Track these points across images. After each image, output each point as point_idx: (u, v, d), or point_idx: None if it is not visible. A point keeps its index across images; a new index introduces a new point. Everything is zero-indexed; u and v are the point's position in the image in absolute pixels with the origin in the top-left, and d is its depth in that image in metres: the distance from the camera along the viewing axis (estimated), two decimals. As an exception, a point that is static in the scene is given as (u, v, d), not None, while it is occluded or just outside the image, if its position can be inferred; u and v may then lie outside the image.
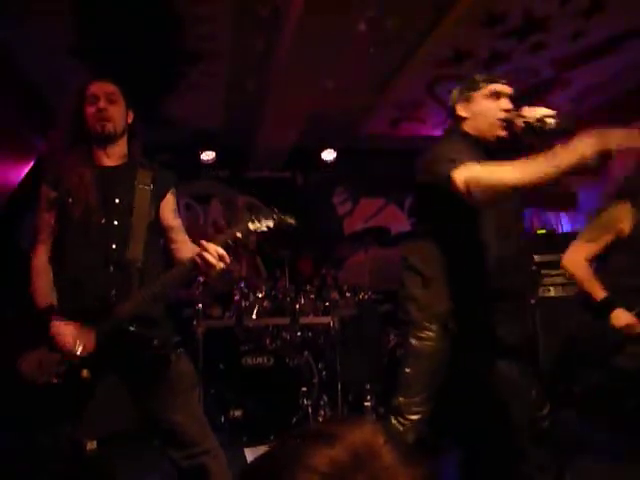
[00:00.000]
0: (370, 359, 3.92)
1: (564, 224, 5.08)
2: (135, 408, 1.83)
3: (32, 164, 4.13)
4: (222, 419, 3.42)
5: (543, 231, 4.89)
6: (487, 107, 1.88)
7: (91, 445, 3.02)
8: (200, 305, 3.86)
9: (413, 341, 1.90)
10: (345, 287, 4.46)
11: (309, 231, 5.18)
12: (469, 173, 1.60)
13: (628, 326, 2.16)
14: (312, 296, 4.23)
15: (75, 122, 1.79)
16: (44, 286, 1.73)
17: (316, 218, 5.38)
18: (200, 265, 1.61)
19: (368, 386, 3.82)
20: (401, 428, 1.85)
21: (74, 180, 1.72)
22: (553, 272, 4.43)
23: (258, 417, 3.42)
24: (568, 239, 2.50)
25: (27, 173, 4.10)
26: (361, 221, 5.65)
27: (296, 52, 3.33)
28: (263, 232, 1.71)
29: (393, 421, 1.88)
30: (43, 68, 3.38)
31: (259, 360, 3.58)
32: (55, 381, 1.62)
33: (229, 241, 1.65)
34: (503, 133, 1.85)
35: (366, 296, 4.32)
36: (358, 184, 5.66)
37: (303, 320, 4.01)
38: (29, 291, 1.75)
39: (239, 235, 1.66)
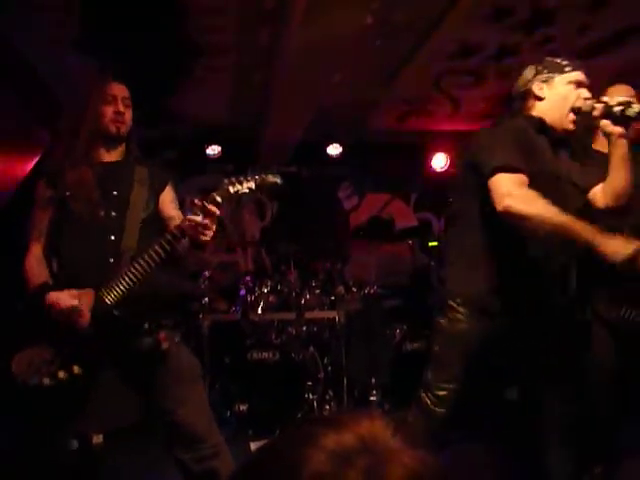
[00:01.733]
0: (376, 354, 3.92)
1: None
2: (141, 402, 1.84)
3: (38, 158, 4.13)
4: (228, 413, 3.43)
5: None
6: (567, 94, 1.80)
7: (97, 439, 3.04)
8: (206, 299, 3.87)
9: (441, 320, 1.90)
10: (351, 282, 4.45)
11: (315, 225, 5.18)
12: (515, 203, 1.60)
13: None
14: (318, 291, 4.23)
15: (90, 118, 1.80)
16: (38, 273, 1.74)
17: (322, 213, 5.38)
18: (187, 227, 1.62)
19: (373, 381, 3.82)
20: (429, 402, 1.86)
21: (75, 178, 1.75)
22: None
23: (264, 411, 3.43)
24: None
25: (33, 167, 4.11)
26: (367, 216, 5.64)
27: (302, 46, 3.32)
28: (245, 193, 1.71)
29: (422, 394, 1.89)
30: (48, 61, 3.39)
31: (265, 354, 3.59)
32: (46, 383, 1.60)
33: (210, 205, 1.64)
34: (571, 127, 1.81)
35: (372, 291, 4.31)
36: (364, 179, 5.64)
37: (309, 315, 4.02)
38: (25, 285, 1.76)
39: (219, 199, 1.66)
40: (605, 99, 1.72)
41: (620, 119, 1.67)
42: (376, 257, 4.46)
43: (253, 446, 3.15)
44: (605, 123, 1.72)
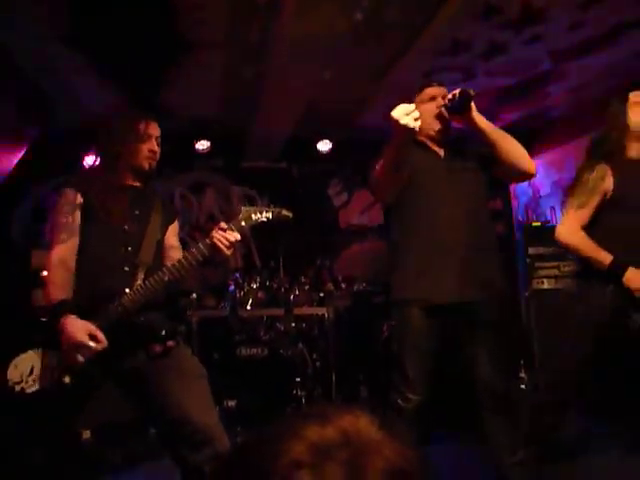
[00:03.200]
0: (364, 350, 3.93)
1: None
2: (140, 404, 1.81)
3: (23, 153, 4.08)
4: (216, 409, 3.42)
5: (538, 223, 4.90)
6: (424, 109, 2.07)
7: (86, 434, 3.02)
8: (194, 295, 3.86)
9: None
10: (340, 278, 4.46)
11: (304, 222, 5.17)
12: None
13: None
14: (307, 287, 4.23)
15: (126, 154, 1.91)
16: (59, 281, 1.76)
17: (311, 209, 5.37)
18: (218, 244, 1.77)
19: (362, 377, 3.84)
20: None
21: (107, 195, 1.87)
22: (547, 264, 4.45)
23: (252, 407, 3.43)
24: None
25: (18, 162, 4.06)
26: (357, 212, 5.64)
27: (292, 41, 3.30)
28: (262, 222, 1.88)
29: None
30: (35, 55, 3.33)
31: (253, 350, 3.59)
32: (49, 388, 1.61)
33: (234, 229, 1.81)
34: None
35: (361, 287, 4.33)
36: (354, 176, 5.64)
37: (297, 311, 4.02)
38: (38, 283, 1.78)
39: (244, 224, 1.84)
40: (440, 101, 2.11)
41: (451, 110, 2.04)
42: (365, 254, 4.46)
43: (242, 442, 3.15)
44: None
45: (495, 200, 5.67)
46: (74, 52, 3.27)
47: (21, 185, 4.26)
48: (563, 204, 2.36)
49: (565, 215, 2.31)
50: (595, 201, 2.24)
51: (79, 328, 1.64)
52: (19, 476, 1.69)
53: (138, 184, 1.99)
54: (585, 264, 2.26)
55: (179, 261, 1.80)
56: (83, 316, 1.68)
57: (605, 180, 2.22)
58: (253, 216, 1.85)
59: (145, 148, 1.93)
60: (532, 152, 5.06)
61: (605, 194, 2.24)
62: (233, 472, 0.52)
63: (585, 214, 2.24)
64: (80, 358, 1.64)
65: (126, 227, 1.87)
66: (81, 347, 1.62)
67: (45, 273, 1.77)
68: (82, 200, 1.85)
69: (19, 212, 4.37)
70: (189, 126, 4.84)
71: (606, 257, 2.17)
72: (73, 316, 1.66)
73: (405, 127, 1.74)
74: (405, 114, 1.75)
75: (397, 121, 1.75)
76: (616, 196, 2.24)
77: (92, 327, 1.66)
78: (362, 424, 0.52)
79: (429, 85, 2.21)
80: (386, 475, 0.47)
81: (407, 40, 3.47)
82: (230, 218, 1.84)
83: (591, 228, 2.26)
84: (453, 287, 1.99)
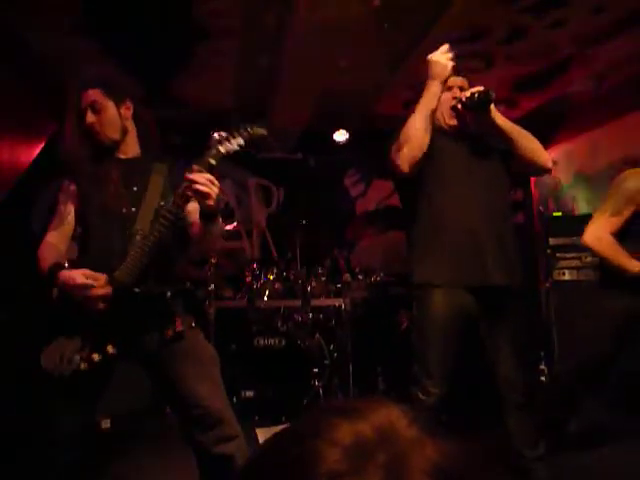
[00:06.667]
0: (381, 341, 3.91)
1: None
2: (155, 386, 1.83)
3: (43, 145, 4.12)
4: (234, 400, 3.44)
5: (559, 214, 4.81)
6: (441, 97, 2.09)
7: (105, 424, 3.06)
8: (212, 286, 3.87)
9: None
10: (357, 269, 4.44)
11: (321, 213, 5.15)
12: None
13: None
14: (324, 278, 4.22)
15: (80, 133, 1.80)
16: (48, 256, 1.75)
17: (328, 200, 5.34)
18: (191, 193, 1.61)
19: (379, 368, 3.82)
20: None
21: (99, 175, 1.77)
22: (568, 255, 4.36)
23: (270, 398, 3.44)
24: (583, 221, 2.44)
25: (38, 154, 4.10)
26: (374, 203, 5.60)
27: (308, 29, 3.27)
28: (236, 151, 1.69)
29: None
30: (49, 45, 3.34)
31: (271, 341, 3.59)
32: (83, 367, 1.61)
33: (203, 169, 1.64)
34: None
35: (378, 278, 4.30)
36: (371, 165, 5.59)
37: (314, 302, 4.01)
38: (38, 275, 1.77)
39: (213, 162, 1.66)
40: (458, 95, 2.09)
41: (469, 107, 2.02)
42: (382, 245, 4.43)
43: (259, 432, 3.17)
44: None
45: (516, 190, 5.58)
46: (90, 42, 3.28)
47: (40, 178, 4.30)
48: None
49: (595, 219, 2.29)
50: (630, 210, 2.22)
51: (75, 273, 1.65)
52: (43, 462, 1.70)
53: (129, 156, 1.86)
54: (608, 270, 2.23)
55: (160, 217, 1.68)
56: None
57: None
58: (222, 149, 1.66)
59: (84, 124, 1.78)
60: (553, 140, 4.98)
61: None
62: None
63: (617, 222, 2.22)
64: (100, 304, 1.64)
65: (124, 210, 1.78)
66: (84, 288, 1.63)
67: (38, 258, 1.77)
68: (75, 187, 1.81)
69: (38, 205, 4.42)
70: (205, 117, 4.83)
71: (635, 265, 2.16)
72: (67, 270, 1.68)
73: (444, 66, 1.92)
74: (442, 54, 1.95)
75: (436, 61, 1.94)
76: None
77: (86, 271, 1.66)
78: (393, 417, 0.48)
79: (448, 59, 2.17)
80: (430, 476, 0.44)
81: (425, 26, 3.40)
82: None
83: (621, 238, 2.25)
84: (477, 271, 1.96)
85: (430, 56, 1.99)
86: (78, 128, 1.79)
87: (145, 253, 1.67)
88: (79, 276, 1.65)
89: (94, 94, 1.80)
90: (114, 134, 1.82)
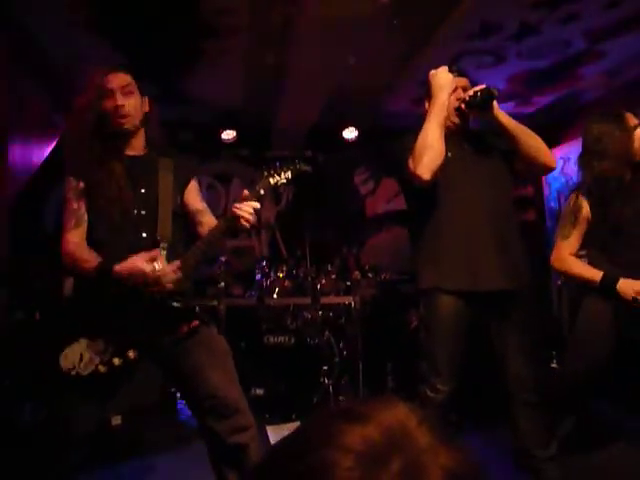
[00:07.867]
0: (391, 339, 3.90)
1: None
2: (169, 379, 1.84)
3: (55, 143, 4.15)
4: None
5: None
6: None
7: (116, 420, 3.08)
8: (222, 283, 3.88)
9: None
10: (367, 267, 4.43)
11: (330, 211, 5.15)
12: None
13: (638, 292, 2.15)
14: (333, 276, 4.21)
15: (94, 116, 1.74)
16: (88, 257, 1.71)
17: (337, 198, 5.33)
18: (239, 218, 1.68)
19: (389, 366, 3.81)
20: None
21: (104, 174, 1.74)
22: (580, 252, 4.32)
23: (280, 395, 3.45)
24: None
25: (50, 153, 4.13)
26: (383, 201, 5.58)
27: (316, 27, 3.26)
28: (283, 184, 1.79)
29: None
30: (60, 43, 3.37)
31: (280, 339, 3.59)
32: (102, 370, 1.63)
33: (254, 199, 1.72)
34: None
35: (387, 276, 4.29)
36: (380, 163, 5.57)
37: (324, 300, 4.01)
38: (73, 275, 1.78)
39: (262, 192, 1.74)
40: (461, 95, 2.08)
41: (472, 106, 2.01)
42: (392, 243, 4.42)
43: (269, 430, 3.18)
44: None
45: (526, 187, 5.54)
46: (101, 39, 3.30)
47: (53, 176, 4.34)
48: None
49: (555, 244, 2.38)
50: (579, 230, 2.31)
51: (134, 259, 1.66)
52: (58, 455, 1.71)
53: (136, 153, 1.83)
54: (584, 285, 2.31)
55: (209, 232, 1.75)
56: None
57: (584, 209, 2.28)
58: (271, 180, 1.76)
59: (109, 104, 1.73)
60: (565, 136, 4.93)
61: (588, 221, 2.30)
62: None
63: (572, 243, 2.32)
64: (169, 284, 1.67)
65: (135, 212, 1.76)
66: (144, 273, 1.64)
67: (71, 259, 1.73)
68: (83, 186, 1.76)
69: (51, 203, 4.46)
70: (215, 116, 4.85)
71: (597, 273, 2.22)
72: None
73: (448, 77, 1.97)
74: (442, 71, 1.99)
75: (440, 74, 1.98)
76: (593, 222, 2.30)
77: (144, 254, 1.68)
78: (403, 419, 0.48)
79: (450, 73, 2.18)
80: None
81: (435, 22, 3.38)
82: (254, 187, 1.75)
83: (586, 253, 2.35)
84: (484, 275, 1.96)
85: (432, 72, 2.03)
86: (93, 112, 1.74)
87: (196, 260, 1.72)
88: (139, 260, 1.65)
89: (126, 78, 1.78)
90: (136, 122, 1.80)
